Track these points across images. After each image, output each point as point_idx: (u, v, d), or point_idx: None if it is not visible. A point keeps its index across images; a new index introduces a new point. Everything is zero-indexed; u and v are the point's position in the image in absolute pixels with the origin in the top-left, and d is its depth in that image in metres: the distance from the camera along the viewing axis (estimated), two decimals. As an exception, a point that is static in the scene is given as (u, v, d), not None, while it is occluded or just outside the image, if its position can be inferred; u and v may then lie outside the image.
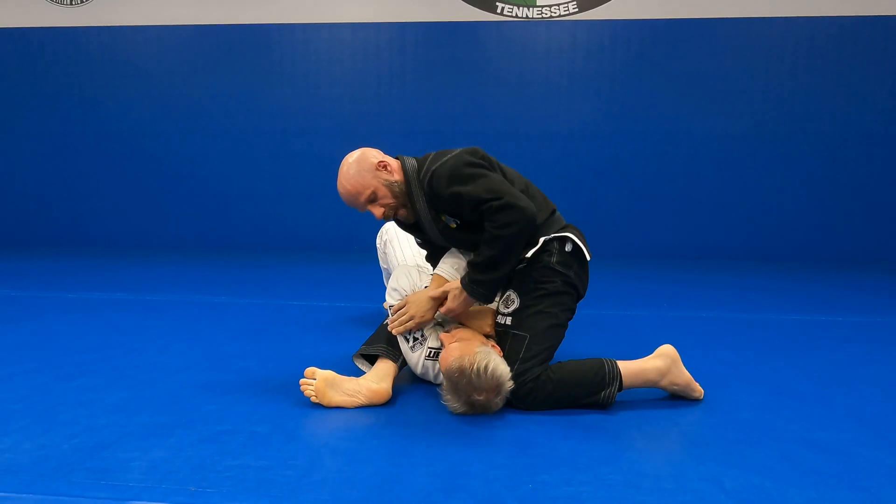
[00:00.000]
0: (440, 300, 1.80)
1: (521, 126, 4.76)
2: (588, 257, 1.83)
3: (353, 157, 1.80)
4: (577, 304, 1.87)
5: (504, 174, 1.80)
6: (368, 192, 1.77)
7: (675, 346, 1.77)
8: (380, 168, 1.77)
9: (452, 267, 1.87)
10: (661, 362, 1.73)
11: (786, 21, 4.50)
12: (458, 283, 1.77)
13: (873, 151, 4.56)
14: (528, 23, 4.67)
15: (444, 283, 1.83)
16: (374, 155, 1.80)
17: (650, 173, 4.74)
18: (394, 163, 1.82)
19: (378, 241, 2.53)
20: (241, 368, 2.04)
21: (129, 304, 2.99)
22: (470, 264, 1.76)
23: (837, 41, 4.48)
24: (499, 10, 4.69)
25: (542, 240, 1.77)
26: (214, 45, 4.88)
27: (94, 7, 4.91)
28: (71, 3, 4.92)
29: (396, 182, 1.79)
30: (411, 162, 1.82)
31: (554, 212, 1.87)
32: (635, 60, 4.64)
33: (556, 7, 4.64)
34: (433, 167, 1.74)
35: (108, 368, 2.02)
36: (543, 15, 4.66)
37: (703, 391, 1.79)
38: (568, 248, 1.79)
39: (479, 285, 1.73)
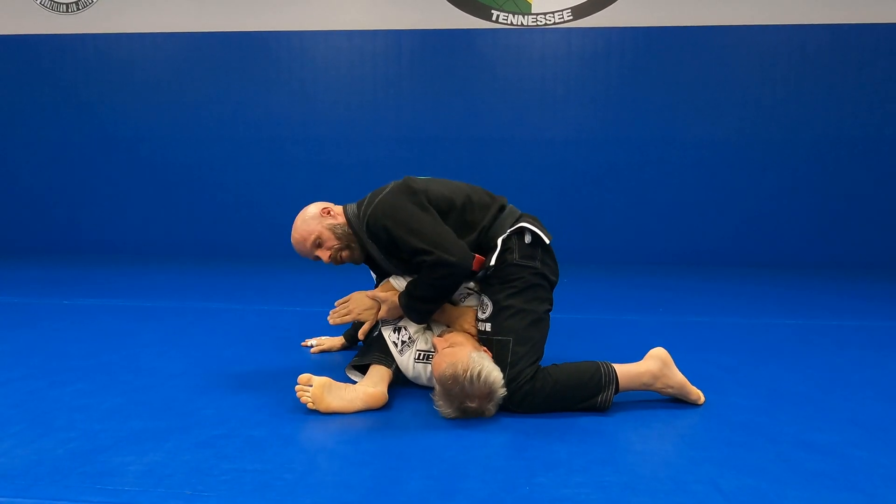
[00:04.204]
0: (379, 305, 1.90)
1: (516, 132, 4.78)
2: (548, 241, 1.80)
3: (302, 212, 1.92)
4: (555, 294, 1.86)
5: (438, 201, 1.78)
6: (313, 237, 1.87)
7: (671, 351, 1.78)
8: (323, 214, 1.89)
9: (406, 277, 1.92)
10: (653, 365, 1.74)
11: (777, 29, 4.54)
12: (395, 298, 1.85)
13: (865, 157, 4.60)
14: (524, 30, 4.70)
15: (389, 290, 1.92)
16: (316, 205, 1.93)
17: (644, 179, 4.76)
18: (336, 208, 1.93)
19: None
20: (237, 373, 2.04)
21: (124, 310, 2.98)
22: (408, 292, 1.80)
23: (828, 49, 4.52)
24: (494, 18, 4.72)
25: (499, 241, 1.77)
26: (211, 52, 4.90)
27: (91, 14, 4.92)
28: (68, 11, 4.93)
29: (339, 224, 1.89)
30: (351, 208, 1.91)
31: (503, 207, 1.87)
32: (629, 68, 4.68)
33: (551, 15, 4.68)
34: (368, 210, 1.81)
35: (104, 374, 2.02)
36: (538, 22, 4.69)
37: (702, 395, 1.79)
38: (527, 239, 1.78)
39: (413, 311, 1.82)
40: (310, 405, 1.67)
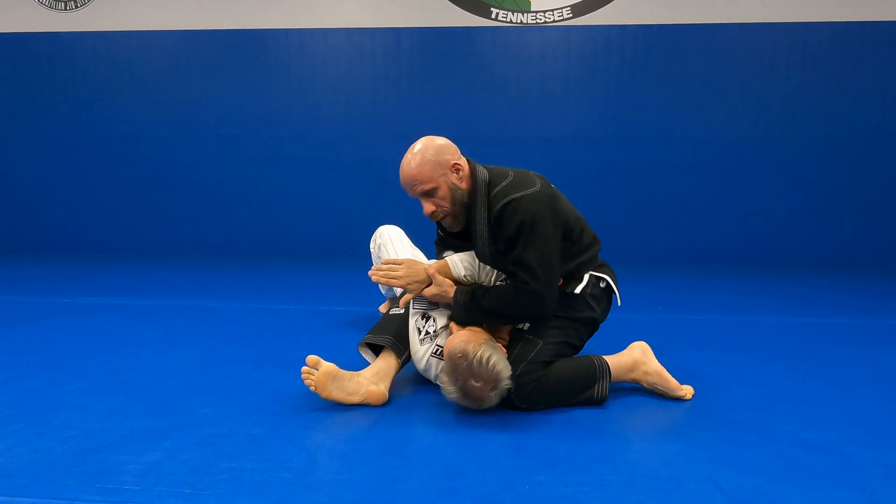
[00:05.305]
0: (430, 282, 1.80)
1: (515, 131, 4.77)
2: (619, 303, 1.89)
3: (428, 144, 1.73)
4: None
5: (563, 227, 1.74)
6: (430, 186, 1.71)
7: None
8: (452, 169, 1.72)
9: (463, 263, 1.86)
10: (635, 353, 1.84)
11: (778, 26, 4.53)
12: (451, 291, 1.78)
13: (866, 155, 4.59)
14: (523, 28, 4.70)
15: (445, 273, 1.83)
16: (451, 152, 1.74)
17: (644, 178, 4.76)
18: (465, 168, 1.75)
19: (372, 245, 2.53)
20: (236, 372, 2.04)
21: (123, 309, 2.97)
22: (473, 295, 1.74)
23: (829, 46, 4.52)
24: (493, 16, 4.71)
25: (586, 276, 1.79)
26: (210, 50, 4.88)
27: (88, 12, 4.91)
28: (66, 8, 4.92)
29: (462, 191, 1.73)
30: (483, 173, 1.75)
31: (600, 248, 1.88)
32: (629, 66, 4.67)
33: (551, 13, 4.67)
34: (512, 194, 1.66)
35: (103, 373, 2.01)
36: (538, 20, 4.68)
37: (683, 388, 1.81)
38: (602, 284, 1.83)
39: (466, 311, 1.75)
40: (312, 388, 1.69)
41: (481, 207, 1.72)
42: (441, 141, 1.76)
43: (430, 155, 1.71)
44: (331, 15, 4.78)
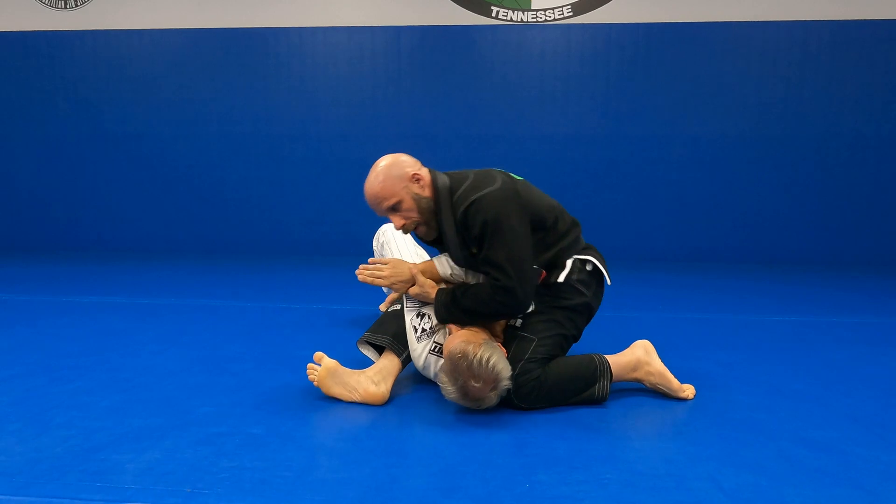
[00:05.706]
0: (414, 282, 1.81)
1: (515, 129, 4.77)
2: (608, 282, 1.87)
3: (386, 161, 1.75)
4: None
5: (533, 217, 1.73)
6: (394, 200, 1.73)
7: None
8: (412, 180, 1.73)
9: (450, 262, 1.86)
10: (638, 352, 1.82)
11: (779, 25, 4.53)
12: (433, 291, 1.79)
13: (866, 154, 4.59)
14: (523, 26, 4.69)
15: (430, 273, 1.84)
16: (409, 164, 1.75)
17: (644, 176, 4.75)
18: (426, 177, 1.76)
19: (375, 243, 2.53)
20: (236, 371, 2.04)
21: (124, 308, 2.97)
22: (453, 294, 1.75)
23: (830, 45, 4.51)
24: (493, 14, 4.70)
25: (569, 262, 1.78)
26: (210, 48, 4.88)
27: (89, 11, 4.91)
28: (66, 7, 4.91)
29: (426, 198, 1.74)
30: (443, 179, 1.76)
31: (580, 232, 1.88)
32: (629, 64, 4.66)
33: (551, 11, 4.66)
34: (472, 196, 1.68)
35: (103, 371, 2.01)
36: (538, 19, 4.68)
37: (686, 388, 1.81)
38: (589, 267, 1.81)
39: (447, 311, 1.75)
40: (315, 383, 1.74)
41: (447, 213, 1.73)
42: (400, 156, 1.78)
43: (389, 171, 1.73)
44: (331, 13, 4.78)
